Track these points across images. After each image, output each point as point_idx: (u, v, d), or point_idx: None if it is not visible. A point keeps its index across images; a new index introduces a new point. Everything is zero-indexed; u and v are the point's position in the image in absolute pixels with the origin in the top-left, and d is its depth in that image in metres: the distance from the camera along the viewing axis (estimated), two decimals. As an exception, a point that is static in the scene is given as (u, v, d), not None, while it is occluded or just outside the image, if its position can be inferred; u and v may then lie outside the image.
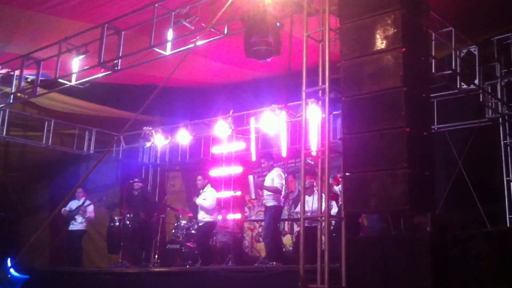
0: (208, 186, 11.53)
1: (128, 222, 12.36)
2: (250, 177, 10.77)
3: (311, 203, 9.59)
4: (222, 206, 13.08)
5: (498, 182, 10.25)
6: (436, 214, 6.13)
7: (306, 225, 6.72)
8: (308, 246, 6.62)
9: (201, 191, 11.49)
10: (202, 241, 11.30)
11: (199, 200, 11.29)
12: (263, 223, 11.18)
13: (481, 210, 9.54)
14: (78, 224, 12.49)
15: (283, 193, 10.18)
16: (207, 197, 11.26)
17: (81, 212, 12.46)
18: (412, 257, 5.71)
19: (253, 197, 10.85)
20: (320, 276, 6.19)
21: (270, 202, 10.14)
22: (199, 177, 11.70)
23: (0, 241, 12.74)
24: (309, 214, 8.67)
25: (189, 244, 11.87)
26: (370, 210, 6.42)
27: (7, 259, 10.04)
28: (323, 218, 6.47)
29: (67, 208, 12.35)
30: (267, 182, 10.24)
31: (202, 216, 11.25)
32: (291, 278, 7.36)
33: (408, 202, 5.53)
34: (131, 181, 12.89)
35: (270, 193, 10.12)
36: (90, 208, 12.59)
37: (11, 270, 10.93)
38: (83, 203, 12.53)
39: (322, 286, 6.11)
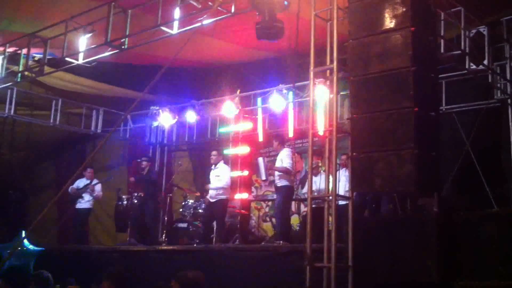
0: (221, 162, 11.34)
1: (135, 201, 12.44)
2: (260, 159, 10.77)
3: (318, 183, 9.60)
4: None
5: (506, 163, 10.20)
6: (443, 196, 6.12)
7: (313, 205, 6.72)
8: (315, 226, 6.64)
9: (213, 166, 11.32)
10: (220, 219, 11.01)
11: (213, 182, 11.05)
12: (270, 203, 11.15)
13: (488, 192, 9.52)
14: (85, 202, 12.54)
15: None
16: (221, 175, 11.07)
17: (89, 190, 12.51)
18: (418, 237, 5.73)
19: (263, 178, 10.76)
20: (326, 255, 6.21)
21: (281, 182, 10.17)
22: (214, 152, 11.45)
23: (8, 219, 12.83)
24: (316, 194, 8.67)
25: (196, 223, 11.91)
26: (376, 190, 6.41)
27: (21, 232, 10.13)
28: (330, 198, 6.47)
29: (74, 186, 12.41)
30: (277, 163, 10.28)
31: (215, 194, 10.96)
32: (298, 257, 7.40)
33: (414, 183, 5.52)
34: (138, 160, 12.91)
35: (280, 173, 10.14)
36: (98, 187, 12.66)
37: (26, 242, 11.01)
38: (91, 181, 12.59)
39: (328, 265, 6.13)
